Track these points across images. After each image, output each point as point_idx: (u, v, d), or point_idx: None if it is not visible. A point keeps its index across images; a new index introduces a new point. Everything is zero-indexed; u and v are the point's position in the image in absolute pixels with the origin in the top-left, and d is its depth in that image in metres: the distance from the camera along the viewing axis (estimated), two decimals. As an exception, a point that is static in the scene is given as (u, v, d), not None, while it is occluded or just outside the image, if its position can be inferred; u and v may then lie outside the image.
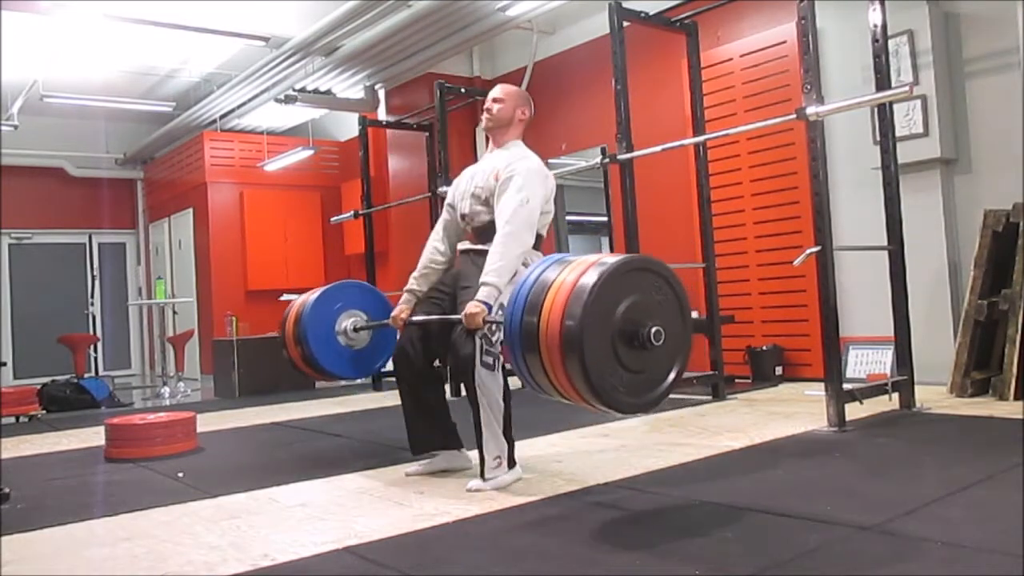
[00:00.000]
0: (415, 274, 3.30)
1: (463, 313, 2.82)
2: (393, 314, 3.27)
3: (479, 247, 3.10)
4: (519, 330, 2.43)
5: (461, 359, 2.87)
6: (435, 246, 3.32)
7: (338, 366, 3.61)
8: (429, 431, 3.19)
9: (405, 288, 3.29)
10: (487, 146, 3.31)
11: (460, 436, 3.20)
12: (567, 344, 2.28)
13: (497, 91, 3.25)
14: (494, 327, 2.86)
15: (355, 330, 3.59)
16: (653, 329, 2.33)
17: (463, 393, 2.96)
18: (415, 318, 3.16)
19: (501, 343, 2.87)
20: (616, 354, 2.33)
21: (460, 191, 3.25)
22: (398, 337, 3.27)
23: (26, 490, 3.28)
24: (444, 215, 3.36)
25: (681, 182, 5.98)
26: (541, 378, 2.44)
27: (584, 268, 2.37)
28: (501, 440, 2.91)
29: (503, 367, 2.92)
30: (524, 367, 2.47)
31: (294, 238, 9.59)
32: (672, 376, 2.46)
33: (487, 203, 3.09)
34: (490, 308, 2.82)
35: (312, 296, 3.61)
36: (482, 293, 2.84)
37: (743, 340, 5.72)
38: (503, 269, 2.87)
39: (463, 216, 3.21)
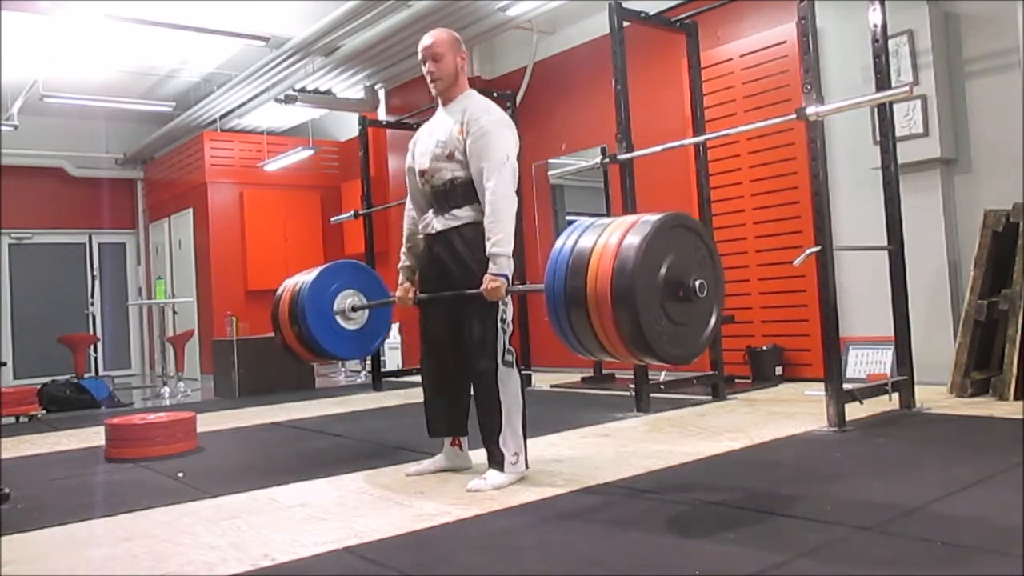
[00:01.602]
0: (403, 250, 3.28)
1: (483, 288, 2.84)
2: (398, 295, 3.24)
3: (450, 224, 3.02)
4: (563, 294, 2.52)
5: (483, 357, 2.91)
6: (411, 216, 3.26)
7: (337, 346, 3.59)
8: (451, 415, 3.15)
9: (399, 266, 3.27)
10: (436, 102, 3.17)
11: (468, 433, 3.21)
12: (620, 302, 2.38)
13: (428, 43, 3.05)
14: (507, 301, 2.91)
15: (353, 309, 3.58)
16: (698, 281, 2.47)
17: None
18: (422, 295, 3.15)
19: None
20: (664, 308, 2.44)
21: (419, 150, 3.15)
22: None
23: (26, 490, 3.27)
24: (407, 183, 3.26)
25: (681, 182, 5.97)
26: (587, 337, 2.52)
27: (626, 229, 2.47)
28: (520, 436, 2.94)
29: (519, 367, 2.96)
30: (569, 329, 2.55)
31: (294, 238, 9.60)
32: (711, 325, 2.58)
33: (451, 157, 2.99)
34: (508, 279, 2.85)
35: (310, 276, 3.57)
36: (495, 267, 2.85)
37: (743, 340, 5.72)
38: (506, 238, 2.88)
39: (422, 173, 3.09)
